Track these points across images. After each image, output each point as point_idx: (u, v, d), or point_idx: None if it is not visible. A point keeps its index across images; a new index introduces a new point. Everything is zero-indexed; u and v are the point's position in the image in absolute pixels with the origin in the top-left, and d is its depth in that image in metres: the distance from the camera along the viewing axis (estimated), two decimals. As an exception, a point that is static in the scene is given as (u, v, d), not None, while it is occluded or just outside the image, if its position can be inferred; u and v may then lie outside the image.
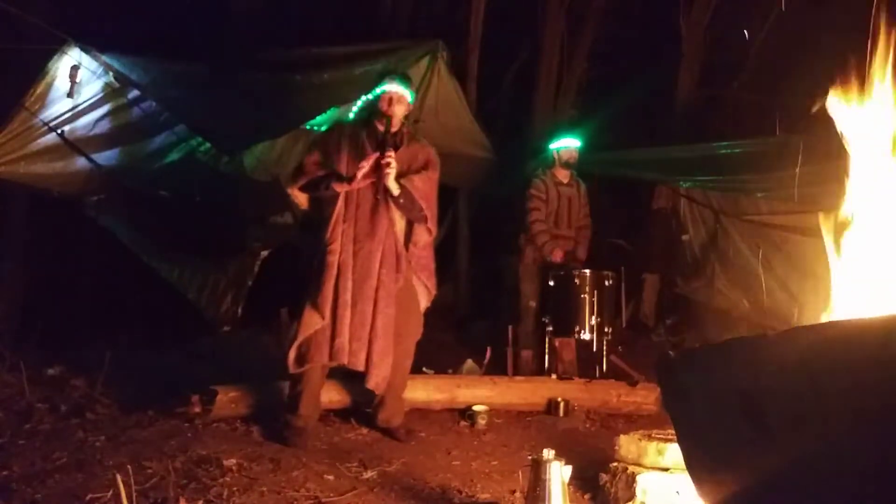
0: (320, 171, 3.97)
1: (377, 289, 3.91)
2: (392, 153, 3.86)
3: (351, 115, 4.25)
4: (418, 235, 4.08)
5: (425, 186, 4.02)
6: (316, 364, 3.92)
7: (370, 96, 4.18)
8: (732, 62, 9.44)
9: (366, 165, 3.85)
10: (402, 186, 3.91)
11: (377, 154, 3.86)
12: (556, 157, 6.10)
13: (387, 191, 3.90)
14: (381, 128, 3.95)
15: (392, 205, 3.96)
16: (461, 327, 7.96)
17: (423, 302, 4.21)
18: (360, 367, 3.90)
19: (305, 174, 4.01)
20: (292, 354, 3.90)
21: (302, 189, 4.03)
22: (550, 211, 6.06)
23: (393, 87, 4.01)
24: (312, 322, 3.88)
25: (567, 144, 6.11)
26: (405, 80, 4.15)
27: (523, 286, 6.01)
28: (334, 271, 3.88)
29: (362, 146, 3.97)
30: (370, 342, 3.89)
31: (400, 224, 4.03)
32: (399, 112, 4.00)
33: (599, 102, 9.37)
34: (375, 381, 3.92)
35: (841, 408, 1.82)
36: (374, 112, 4.04)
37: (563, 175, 6.12)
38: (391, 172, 3.85)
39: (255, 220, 6.91)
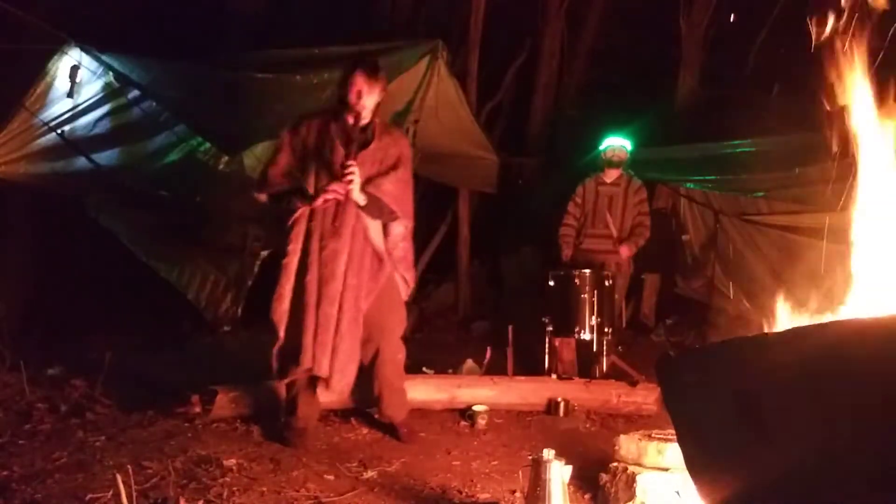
0: (285, 184, 3.83)
1: (342, 291, 3.75)
2: (354, 166, 3.66)
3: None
4: (391, 228, 3.93)
5: (396, 188, 3.84)
6: (295, 377, 3.83)
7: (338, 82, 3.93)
8: (732, 62, 9.45)
9: (330, 193, 3.72)
10: (369, 195, 3.76)
11: (340, 185, 3.69)
12: (602, 157, 6.25)
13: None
14: (350, 120, 3.80)
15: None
16: (461, 327, 7.97)
17: (404, 293, 4.09)
18: (324, 374, 3.72)
19: (269, 185, 3.87)
20: (274, 365, 3.82)
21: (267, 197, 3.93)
22: (586, 211, 6.22)
23: (362, 79, 3.79)
24: (279, 327, 3.76)
25: (611, 144, 6.23)
26: (375, 67, 3.86)
27: None
28: (291, 275, 3.76)
29: (332, 144, 3.81)
30: (333, 347, 3.72)
31: (373, 221, 3.87)
32: (370, 104, 3.81)
33: (599, 103, 9.38)
34: (339, 388, 3.78)
35: (840, 407, 1.83)
36: (343, 103, 3.84)
37: (611, 175, 6.25)
38: (355, 188, 3.69)
39: (255, 220, 6.90)
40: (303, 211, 3.80)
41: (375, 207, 3.81)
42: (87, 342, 5.68)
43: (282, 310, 3.77)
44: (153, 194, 6.81)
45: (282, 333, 3.77)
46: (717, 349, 2.24)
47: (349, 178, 3.66)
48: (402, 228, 3.97)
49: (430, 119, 6.76)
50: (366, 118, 3.83)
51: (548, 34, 9.60)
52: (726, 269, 7.48)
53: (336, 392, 3.84)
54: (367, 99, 3.79)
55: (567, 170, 7.45)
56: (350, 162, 3.67)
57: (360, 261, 3.81)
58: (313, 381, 3.94)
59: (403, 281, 4.05)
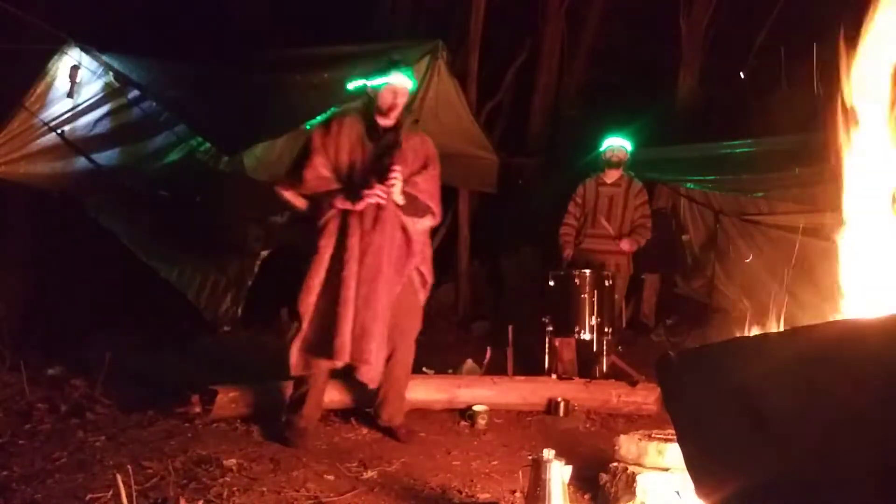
0: (323, 187, 3.85)
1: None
2: (398, 171, 3.73)
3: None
4: (420, 221, 3.97)
5: (429, 185, 3.95)
6: (316, 370, 3.87)
7: (369, 82, 3.96)
8: (732, 62, 9.46)
9: (373, 197, 3.74)
10: (406, 194, 3.82)
11: (382, 189, 3.73)
12: (603, 158, 6.24)
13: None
14: (381, 121, 3.86)
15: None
16: (461, 327, 7.97)
17: (422, 295, 4.12)
18: (366, 362, 3.76)
19: (305, 186, 3.87)
20: (294, 357, 3.83)
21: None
22: (586, 211, 6.21)
23: (398, 80, 3.89)
24: (304, 318, 3.80)
25: (611, 144, 6.22)
26: (409, 69, 4.02)
27: None
28: (321, 269, 3.79)
29: (364, 145, 3.88)
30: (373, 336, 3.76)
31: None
32: (401, 103, 3.90)
33: (599, 103, 9.39)
34: (370, 376, 3.82)
35: (840, 408, 1.82)
36: (373, 103, 3.90)
37: (611, 175, 6.24)
38: (396, 191, 3.76)
39: (255, 220, 6.91)
40: (338, 209, 3.82)
41: (413, 206, 3.88)
42: (87, 342, 5.67)
43: (308, 302, 3.81)
44: (153, 194, 6.81)
45: (306, 325, 3.81)
46: (717, 349, 2.24)
47: (392, 182, 3.73)
48: (429, 223, 4.04)
49: (430, 119, 6.76)
50: (396, 119, 3.90)
51: (548, 34, 9.60)
52: (726, 269, 7.49)
53: (367, 379, 3.82)
54: (401, 98, 3.90)
55: (567, 170, 7.45)
56: (395, 167, 3.74)
57: (390, 251, 3.86)
58: (326, 379, 3.98)
59: (421, 278, 4.06)
